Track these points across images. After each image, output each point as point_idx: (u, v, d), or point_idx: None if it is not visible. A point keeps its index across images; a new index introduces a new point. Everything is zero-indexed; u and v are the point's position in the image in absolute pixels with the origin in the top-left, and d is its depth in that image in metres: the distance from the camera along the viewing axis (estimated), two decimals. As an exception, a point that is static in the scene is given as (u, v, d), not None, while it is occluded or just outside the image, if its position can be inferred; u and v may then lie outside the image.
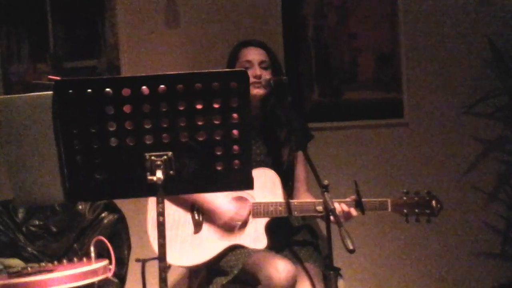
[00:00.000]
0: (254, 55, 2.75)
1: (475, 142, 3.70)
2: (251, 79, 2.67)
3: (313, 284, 2.49)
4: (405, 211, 2.61)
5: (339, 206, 2.52)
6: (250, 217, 2.63)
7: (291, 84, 2.64)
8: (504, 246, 3.72)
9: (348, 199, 2.59)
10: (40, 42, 3.58)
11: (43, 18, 3.58)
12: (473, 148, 3.70)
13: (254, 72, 2.70)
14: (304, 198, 2.79)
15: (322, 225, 2.47)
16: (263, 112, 2.80)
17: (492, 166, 3.70)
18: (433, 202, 2.63)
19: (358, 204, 2.56)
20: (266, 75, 2.71)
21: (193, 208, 2.68)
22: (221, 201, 2.62)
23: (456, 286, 3.72)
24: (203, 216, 2.66)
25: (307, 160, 2.49)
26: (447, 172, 3.71)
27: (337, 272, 2.66)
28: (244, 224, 2.64)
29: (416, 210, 2.62)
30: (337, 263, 2.54)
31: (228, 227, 2.63)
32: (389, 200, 2.61)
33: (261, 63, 2.73)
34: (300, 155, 2.80)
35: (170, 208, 2.64)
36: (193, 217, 2.66)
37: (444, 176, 3.69)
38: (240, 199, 2.66)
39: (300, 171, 2.83)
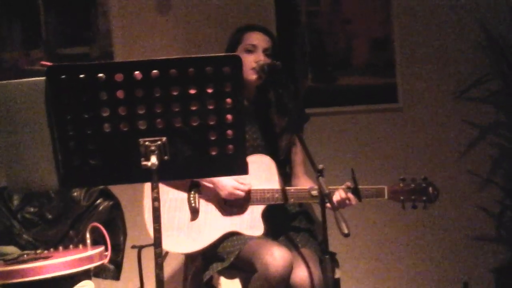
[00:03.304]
0: (259, 40, 2.71)
1: (469, 126, 3.71)
2: (253, 64, 2.65)
3: (309, 269, 2.49)
4: (401, 198, 2.61)
5: (337, 194, 2.52)
6: (250, 197, 2.63)
7: (285, 69, 2.63)
8: (499, 229, 3.74)
9: (343, 186, 2.58)
10: (33, 28, 3.57)
11: (35, 5, 3.56)
12: (467, 132, 3.71)
13: (258, 57, 2.67)
14: (303, 182, 2.78)
15: (318, 210, 2.47)
16: (260, 98, 2.79)
17: (486, 150, 3.71)
18: (430, 188, 2.63)
19: (355, 192, 2.56)
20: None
21: (189, 194, 2.67)
22: (219, 178, 2.62)
23: (452, 269, 3.74)
24: (199, 202, 2.66)
25: (302, 144, 2.49)
26: (441, 156, 3.72)
27: (332, 256, 2.66)
28: (247, 198, 2.63)
29: (413, 197, 2.62)
30: (334, 248, 2.55)
31: (233, 198, 2.62)
32: (385, 188, 2.61)
33: (265, 50, 2.70)
34: (296, 138, 2.79)
35: (167, 195, 2.64)
36: (189, 204, 2.66)
37: (439, 160, 3.71)
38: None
39: (297, 155, 2.82)
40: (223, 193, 2.61)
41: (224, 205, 2.66)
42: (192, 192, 2.67)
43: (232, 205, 2.66)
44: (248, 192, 2.63)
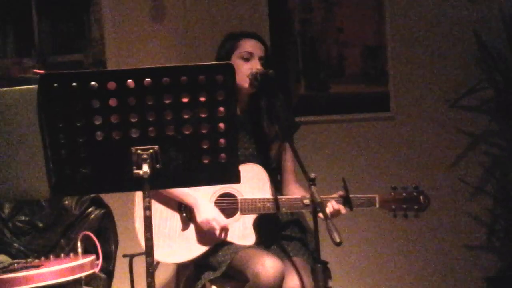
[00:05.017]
0: (256, 48, 2.70)
1: (462, 135, 3.72)
2: (248, 72, 2.64)
3: (301, 278, 2.49)
4: (393, 207, 2.61)
5: (330, 206, 2.51)
6: (238, 214, 2.62)
7: (277, 78, 2.63)
8: (490, 238, 3.74)
9: (335, 195, 2.58)
10: (25, 36, 3.56)
11: (28, 13, 3.55)
12: (459, 141, 3.72)
13: (254, 65, 2.65)
14: (293, 190, 2.77)
15: (310, 219, 2.47)
16: (252, 107, 2.78)
17: (478, 159, 3.72)
18: (421, 197, 2.63)
19: (346, 201, 2.56)
20: None
21: (180, 205, 2.67)
22: (204, 204, 2.60)
23: (443, 278, 3.74)
24: (190, 213, 2.65)
25: (293, 152, 2.49)
26: (433, 165, 3.72)
27: (325, 265, 2.66)
28: (225, 233, 2.61)
29: (404, 206, 2.61)
30: (326, 257, 2.55)
31: (207, 228, 2.60)
32: (377, 197, 2.60)
33: (260, 58, 2.69)
34: (287, 146, 2.78)
35: (158, 205, 2.63)
36: (180, 214, 2.65)
37: (431, 169, 3.71)
38: (228, 195, 2.64)
39: (288, 162, 2.81)
40: (199, 219, 2.59)
41: (199, 231, 2.63)
42: (183, 208, 2.66)
43: (206, 235, 2.62)
44: (225, 229, 2.60)
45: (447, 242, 3.74)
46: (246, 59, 2.67)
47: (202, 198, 2.61)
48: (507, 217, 3.69)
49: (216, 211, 2.59)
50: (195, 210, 2.61)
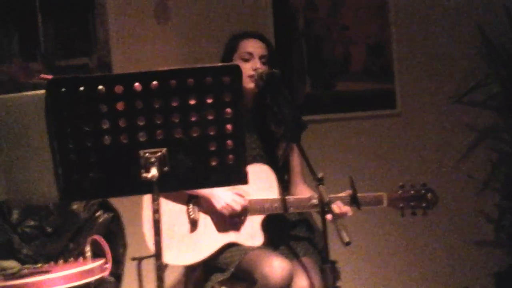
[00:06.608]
0: (255, 48, 2.70)
1: (468, 130, 3.72)
2: (250, 72, 2.64)
3: (310, 279, 2.48)
4: (401, 205, 2.60)
5: (338, 205, 2.50)
6: (247, 214, 2.61)
7: (282, 77, 2.62)
8: (498, 234, 3.74)
9: (343, 194, 2.57)
10: (31, 40, 3.55)
11: (33, 16, 3.54)
12: (466, 136, 3.72)
13: (255, 65, 2.65)
14: (301, 190, 2.77)
15: (318, 218, 2.47)
16: (258, 106, 2.77)
17: (485, 154, 3.72)
18: (429, 195, 2.62)
19: (354, 200, 2.55)
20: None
21: (188, 206, 2.66)
22: (219, 190, 2.59)
23: (453, 275, 3.74)
24: (198, 214, 2.64)
25: (301, 152, 2.48)
26: (440, 161, 3.72)
27: (333, 265, 2.65)
28: (243, 216, 2.61)
29: (412, 204, 2.61)
30: (334, 256, 2.54)
31: (227, 212, 2.59)
32: (384, 195, 2.60)
33: (261, 57, 2.68)
34: (294, 146, 2.78)
35: (166, 208, 2.62)
36: (188, 216, 2.64)
37: (438, 165, 3.71)
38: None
39: (296, 162, 2.81)
40: (219, 205, 2.58)
41: (220, 221, 2.63)
42: (191, 204, 2.65)
43: (227, 223, 2.62)
44: (245, 208, 2.60)
45: (455, 239, 3.74)
46: (246, 60, 2.67)
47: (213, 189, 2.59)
48: (514, 212, 3.69)
49: (232, 194, 2.58)
50: (213, 200, 2.59)
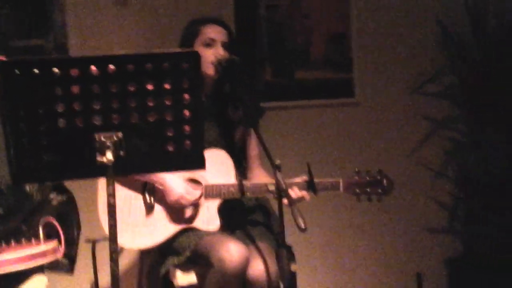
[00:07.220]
0: (218, 33, 2.69)
1: (424, 120, 3.78)
2: (212, 59, 2.63)
3: (265, 263, 2.51)
4: (357, 190, 2.64)
5: (295, 192, 2.53)
6: (203, 199, 2.62)
7: (243, 64, 2.63)
8: (451, 221, 3.82)
9: (300, 180, 2.60)
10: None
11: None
12: (422, 126, 3.78)
13: (217, 51, 2.65)
14: (257, 174, 2.79)
15: (275, 204, 2.49)
16: (216, 92, 2.77)
17: (440, 144, 3.78)
18: (384, 181, 2.66)
19: (311, 185, 2.58)
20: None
21: (144, 190, 2.65)
22: (172, 180, 2.59)
23: (406, 261, 3.81)
24: (154, 198, 2.64)
25: (258, 138, 2.49)
26: (396, 150, 3.78)
27: (289, 249, 2.68)
28: (196, 207, 2.61)
29: (368, 190, 2.64)
30: (290, 241, 2.57)
31: (178, 206, 2.60)
32: (341, 180, 2.63)
33: (223, 43, 2.68)
34: (252, 132, 2.79)
35: (121, 191, 2.61)
36: (144, 199, 2.64)
37: (394, 154, 3.76)
38: (193, 181, 2.64)
39: (252, 147, 2.82)
40: (169, 199, 2.58)
41: (173, 212, 2.62)
42: (146, 191, 2.64)
43: (179, 214, 2.62)
44: (196, 204, 2.61)
45: (409, 225, 3.81)
46: (208, 45, 2.67)
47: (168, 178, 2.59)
48: (467, 200, 3.78)
49: (185, 186, 2.58)
50: (164, 192, 2.59)
